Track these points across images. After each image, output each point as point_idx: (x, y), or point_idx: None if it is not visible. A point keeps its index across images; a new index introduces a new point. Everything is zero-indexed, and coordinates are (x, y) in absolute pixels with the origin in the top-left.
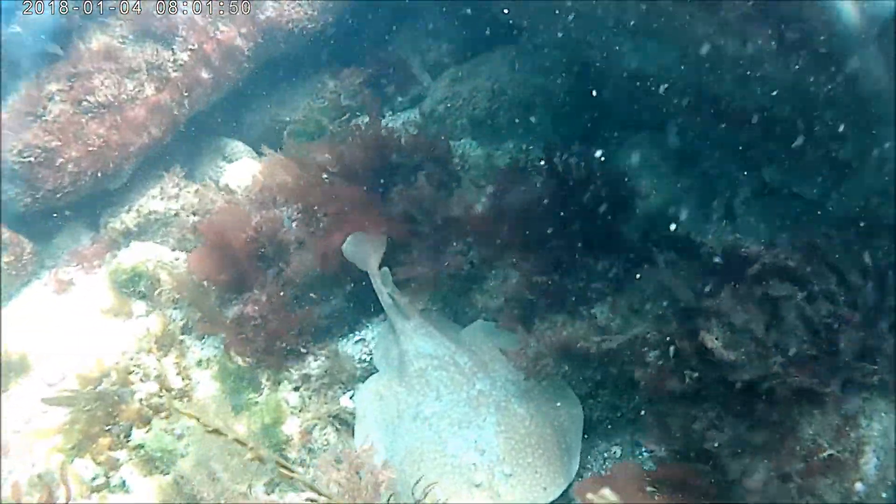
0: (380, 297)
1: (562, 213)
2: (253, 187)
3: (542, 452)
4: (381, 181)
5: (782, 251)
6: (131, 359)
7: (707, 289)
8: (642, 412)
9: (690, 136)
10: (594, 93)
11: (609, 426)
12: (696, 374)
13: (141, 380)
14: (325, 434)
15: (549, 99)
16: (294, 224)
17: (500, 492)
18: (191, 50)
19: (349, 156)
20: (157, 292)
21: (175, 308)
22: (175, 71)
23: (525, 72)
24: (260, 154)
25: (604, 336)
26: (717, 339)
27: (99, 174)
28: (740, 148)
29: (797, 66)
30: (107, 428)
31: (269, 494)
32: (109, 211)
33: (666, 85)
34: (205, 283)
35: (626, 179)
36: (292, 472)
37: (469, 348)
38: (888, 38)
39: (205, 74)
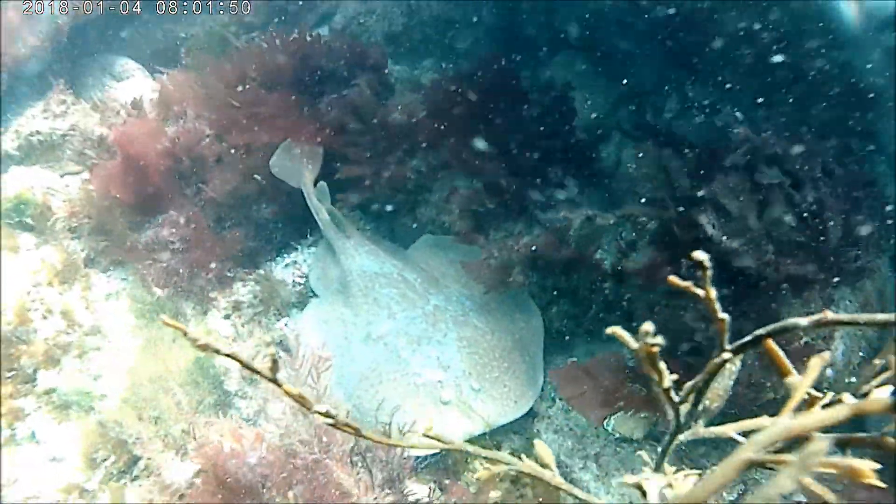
0: (315, 215)
1: (505, 123)
2: (159, 102)
3: (508, 366)
4: (310, 90)
5: (770, 137)
6: (28, 293)
7: (697, 173)
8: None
9: (617, 51)
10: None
11: (567, 337)
12: (690, 263)
13: (43, 316)
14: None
15: (468, 15)
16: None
17: (471, 407)
18: None
19: (271, 63)
20: (51, 221)
21: (73, 238)
22: None
23: None
24: (154, 72)
25: (593, 212)
26: (713, 226)
27: None
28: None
29: None
30: (8, 375)
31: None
32: None
33: None
34: (111, 204)
35: (562, 91)
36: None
37: (417, 265)
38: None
39: None
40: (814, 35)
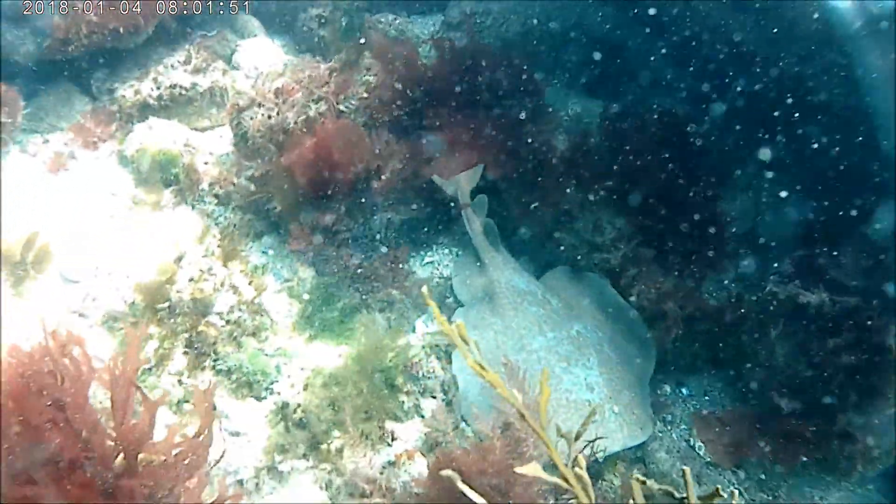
0: (468, 226)
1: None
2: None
3: (633, 396)
4: (471, 100)
5: None
6: (194, 263)
7: None
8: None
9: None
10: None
11: (672, 368)
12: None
13: (215, 289)
14: (431, 364)
15: (585, 32)
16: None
17: (610, 428)
18: None
19: (437, 70)
20: (199, 185)
21: (218, 205)
22: None
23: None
24: (272, 34)
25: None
26: None
27: (121, 30)
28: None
29: None
30: (193, 348)
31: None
32: (113, 76)
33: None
34: (288, 183)
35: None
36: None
37: (554, 291)
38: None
39: None
40: None
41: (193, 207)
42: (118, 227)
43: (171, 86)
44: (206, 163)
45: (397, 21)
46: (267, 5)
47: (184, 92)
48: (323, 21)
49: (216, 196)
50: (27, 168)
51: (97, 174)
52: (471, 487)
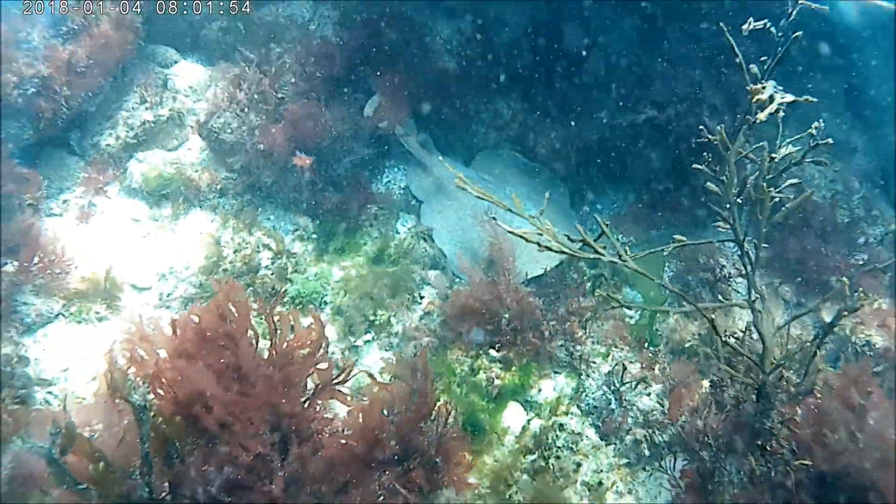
0: (408, 146)
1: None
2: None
3: (563, 221)
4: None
5: None
6: (231, 241)
7: None
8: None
9: None
10: None
11: (585, 194)
12: None
13: (256, 251)
14: (422, 245)
15: None
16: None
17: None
18: None
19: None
20: (202, 188)
21: (219, 197)
22: None
23: None
24: (185, 56)
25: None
26: None
27: (89, 94)
28: None
29: None
30: (258, 295)
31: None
32: (88, 133)
33: None
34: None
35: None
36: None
37: (485, 170)
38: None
39: None
40: None
41: (202, 207)
42: (156, 241)
43: (141, 123)
44: (196, 171)
45: (279, 9)
46: (164, 29)
47: (152, 125)
48: (225, 30)
49: (216, 192)
50: (63, 225)
51: (116, 210)
52: (472, 308)
